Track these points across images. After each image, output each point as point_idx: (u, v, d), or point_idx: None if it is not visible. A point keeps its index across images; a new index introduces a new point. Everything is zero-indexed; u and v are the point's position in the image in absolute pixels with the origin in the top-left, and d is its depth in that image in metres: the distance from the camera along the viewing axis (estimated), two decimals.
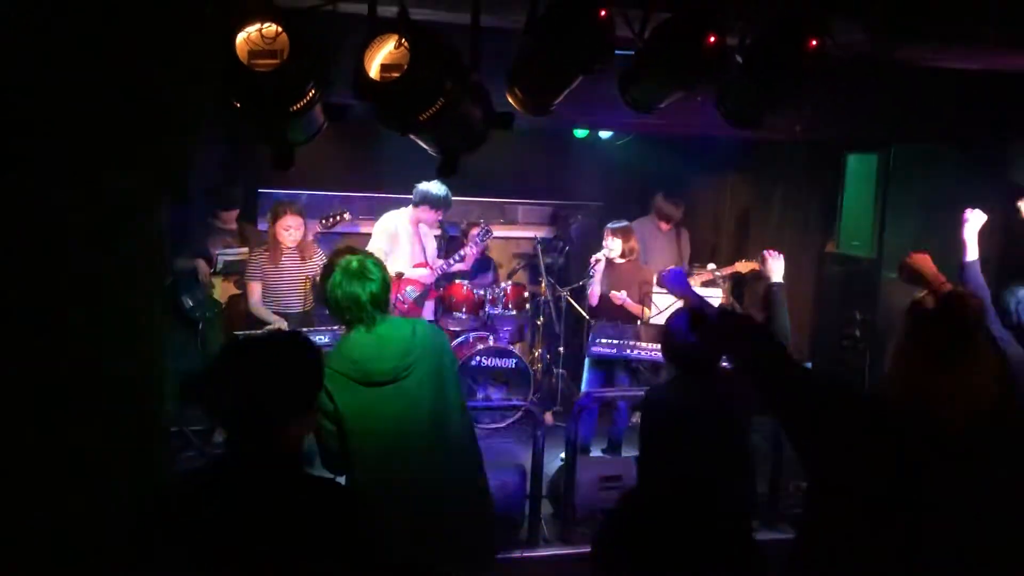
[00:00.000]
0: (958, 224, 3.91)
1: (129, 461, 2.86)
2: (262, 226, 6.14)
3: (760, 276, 4.52)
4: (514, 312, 6.53)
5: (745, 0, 3.42)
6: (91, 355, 2.77)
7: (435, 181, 5.89)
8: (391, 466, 2.82)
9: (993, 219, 4.12)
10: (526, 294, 6.68)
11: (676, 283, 3.23)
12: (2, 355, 2.65)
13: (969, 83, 4.78)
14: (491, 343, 6.33)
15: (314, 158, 5.41)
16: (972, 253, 3.83)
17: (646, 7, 3.30)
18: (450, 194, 5.99)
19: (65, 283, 2.72)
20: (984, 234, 3.91)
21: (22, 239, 2.65)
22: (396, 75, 2.78)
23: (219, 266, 5.59)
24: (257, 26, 2.70)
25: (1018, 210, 4.32)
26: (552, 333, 6.84)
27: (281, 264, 5.31)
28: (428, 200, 5.92)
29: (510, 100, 3.47)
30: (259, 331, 5.04)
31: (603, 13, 3.08)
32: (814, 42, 3.28)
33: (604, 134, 7.12)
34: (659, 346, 5.43)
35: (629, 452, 5.60)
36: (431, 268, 6.09)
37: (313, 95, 2.77)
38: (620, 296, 5.77)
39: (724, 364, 3.41)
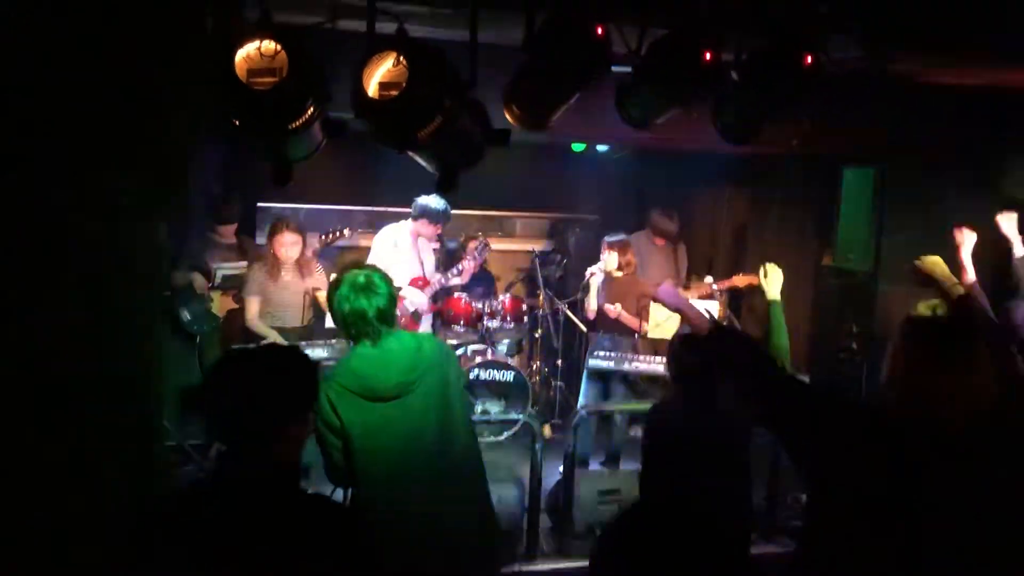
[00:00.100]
0: (953, 243, 3.92)
1: (127, 474, 2.86)
2: (261, 240, 6.15)
3: (758, 290, 4.53)
4: (512, 325, 6.54)
5: (740, 16, 3.44)
6: (90, 366, 2.77)
7: (434, 195, 5.91)
8: (395, 481, 2.82)
9: (988, 233, 4.15)
10: (524, 307, 6.69)
11: (668, 298, 3.23)
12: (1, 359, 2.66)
13: (964, 97, 4.81)
14: (489, 356, 6.34)
15: (313, 172, 5.43)
16: (970, 274, 3.84)
17: (642, 23, 3.33)
18: (449, 208, 6.01)
19: (64, 289, 2.72)
20: (978, 249, 3.93)
21: (22, 239, 2.66)
22: (395, 93, 2.80)
23: (217, 280, 5.60)
24: (256, 44, 2.72)
25: (997, 225, 4.33)
26: (550, 346, 6.85)
27: (280, 280, 5.32)
28: (427, 214, 5.94)
29: (507, 116, 3.49)
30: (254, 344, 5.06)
31: (599, 30, 3.10)
32: (809, 58, 3.32)
33: (601, 147, 7.15)
34: (656, 359, 5.50)
35: (627, 464, 5.60)
36: (429, 283, 6.10)
37: (312, 112, 2.78)
38: (614, 309, 5.78)
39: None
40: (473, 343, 6.51)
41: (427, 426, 2.86)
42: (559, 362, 6.76)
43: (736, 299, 6.65)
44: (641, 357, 5.59)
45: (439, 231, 6.18)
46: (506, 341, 6.61)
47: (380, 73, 2.89)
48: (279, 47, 2.72)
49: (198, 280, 5.59)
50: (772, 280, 3.53)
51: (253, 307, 5.28)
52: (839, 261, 5.93)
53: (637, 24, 3.33)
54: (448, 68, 2.92)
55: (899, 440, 2.03)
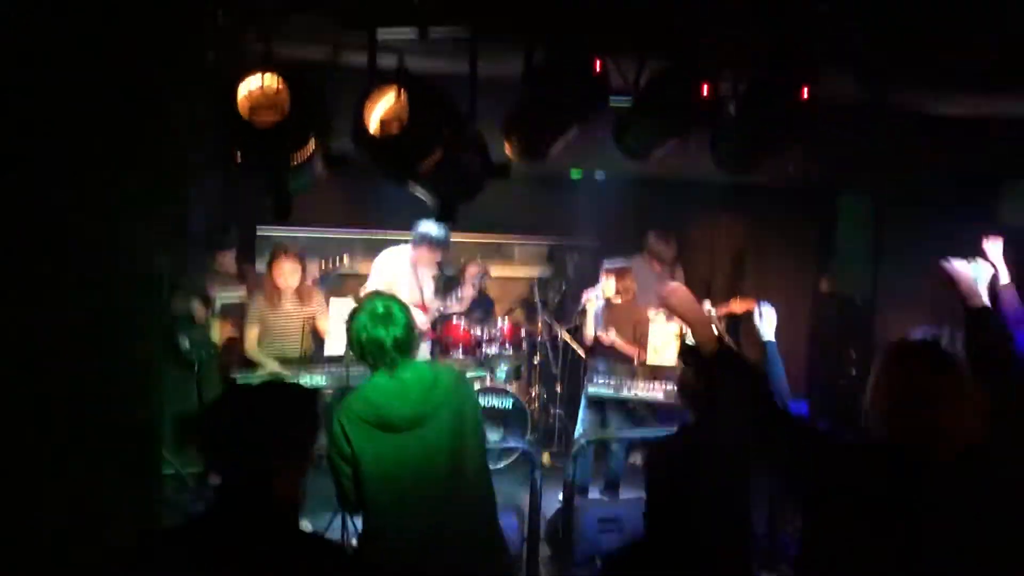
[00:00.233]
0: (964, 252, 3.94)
1: (124, 502, 2.85)
2: (261, 266, 6.16)
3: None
4: (511, 351, 6.53)
5: (737, 49, 3.48)
6: (89, 365, 2.76)
7: (434, 221, 5.92)
8: (405, 512, 2.81)
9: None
10: (523, 333, 6.68)
11: (676, 300, 3.15)
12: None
13: (961, 125, 4.84)
14: (488, 382, 6.33)
15: (313, 197, 5.44)
16: (1005, 276, 3.86)
17: (641, 57, 3.37)
18: (449, 234, 6.02)
19: (64, 289, 2.72)
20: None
21: (22, 239, 2.66)
22: (395, 127, 2.83)
23: (217, 307, 5.60)
24: (258, 79, 2.75)
25: (983, 252, 4.34)
26: (549, 372, 6.84)
27: (279, 307, 5.32)
28: (427, 240, 5.95)
29: (507, 148, 3.52)
30: (255, 376, 5.06)
31: (598, 64, 3.14)
32: (806, 91, 3.35)
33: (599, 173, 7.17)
34: (655, 385, 5.49)
35: (627, 492, 5.59)
36: (428, 309, 6.11)
37: (313, 148, 2.81)
38: (609, 336, 5.78)
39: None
40: (471, 369, 6.50)
41: (439, 458, 2.84)
42: (558, 388, 6.75)
43: (735, 324, 6.65)
44: (640, 384, 5.57)
45: (439, 257, 6.19)
46: (505, 367, 6.60)
47: (381, 108, 2.92)
48: (281, 83, 2.74)
49: (197, 308, 5.59)
50: (766, 320, 3.51)
51: (252, 335, 5.28)
52: (837, 287, 5.95)
53: (635, 58, 3.37)
54: (448, 102, 2.95)
55: (889, 476, 2.03)
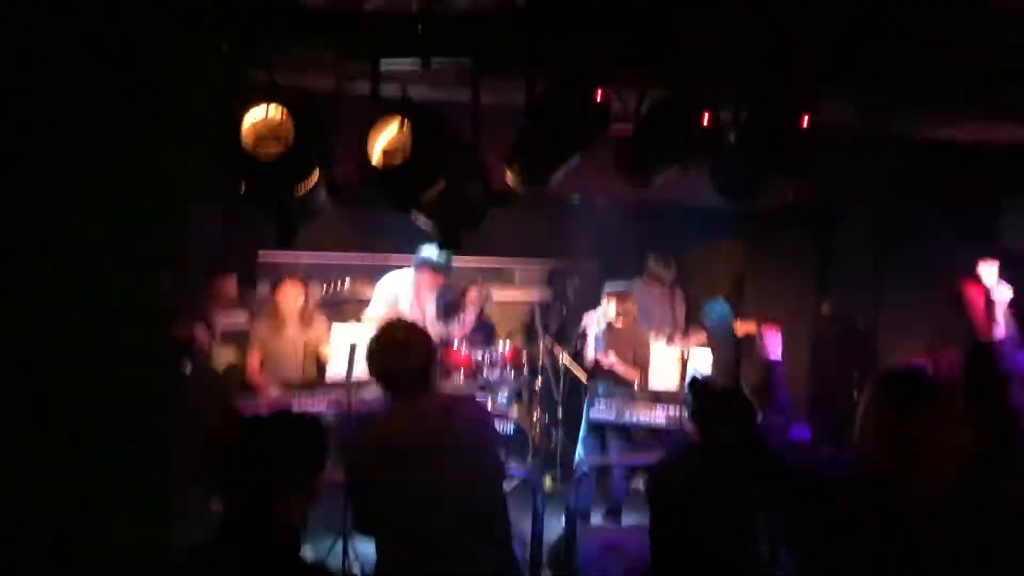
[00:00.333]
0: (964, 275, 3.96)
1: (129, 527, 2.84)
2: (261, 290, 6.17)
3: (757, 338, 4.54)
4: (512, 375, 6.52)
5: (737, 78, 3.51)
6: (90, 365, 2.75)
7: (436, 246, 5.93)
8: (418, 537, 2.80)
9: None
10: (524, 356, 6.67)
11: (719, 320, 3.19)
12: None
13: (961, 149, 4.87)
14: (489, 407, 6.31)
15: (315, 222, 5.44)
16: (1001, 329, 3.86)
17: (641, 86, 3.40)
18: (451, 259, 6.03)
19: (64, 289, 2.71)
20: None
21: (22, 239, 2.65)
22: (399, 157, 2.85)
23: (218, 332, 5.60)
24: (263, 111, 2.77)
25: (978, 275, 4.36)
26: (550, 396, 6.82)
27: (282, 332, 5.32)
28: (429, 265, 5.95)
29: (509, 176, 3.54)
30: (261, 404, 5.05)
31: (599, 94, 3.16)
32: (806, 120, 3.37)
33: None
34: (657, 410, 5.48)
35: (629, 518, 5.57)
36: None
37: (318, 178, 2.82)
38: (608, 360, 5.78)
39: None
40: (472, 394, 6.48)
41: (454, 488, 2.83)
42: (559, 412, 6.74)
43: (736, 347, 6.65)
44: (641, 408, 5.55)
45: (441, 281, 6.20)
46: (506, 391, 6.58)
47: (384, 138, 2.94)
48: (285, 115, 2.76)
49: (199, 333, 5.59)
50: (771, 341, 3.53)
51: (254, 360, 5.28)
52: (838, 310, 5.96)
53: (636, 87, 3.40)
54: (451, 132, 2.97)
55: (878, 510, 2.03)
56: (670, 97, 3.34)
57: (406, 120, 2.84)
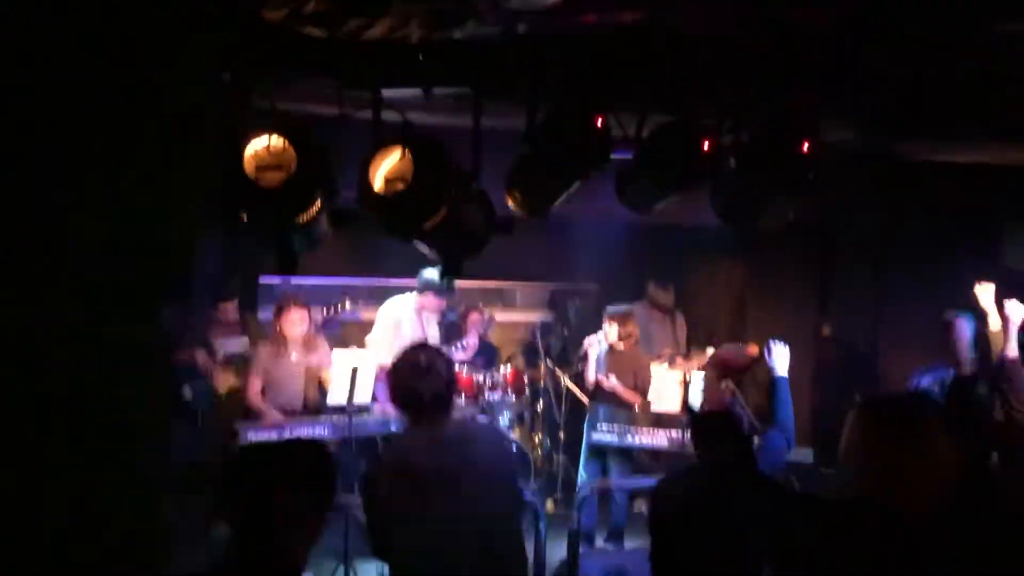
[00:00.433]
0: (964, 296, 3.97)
1: (126, 556, 2.83)
2: (263, 314, 6.16)
3: (760, 361, 4.53)
4: (513, 397, 6.51)
5: (738, 103, 3.52)
6: (90, 366, 2.74)
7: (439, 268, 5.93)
8: (430, 565, 2.79)
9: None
10: (525, 379, 6.66)
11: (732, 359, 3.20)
12: None
13: (963, 171, 4.88)
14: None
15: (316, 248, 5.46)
16: (996, 323, 3.87)
17: (642, 112, 3.41)
18: (455, 281, 6.03)
19: (64, 289, 2.71)
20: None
21: (22, 239, 2.64)
22: (400, 186, 2.85)
23: (219, 357, 5.59)
24: (265, 140, 2.78)
25: (974, 296, 4.37)
26: (552, 418, 6.80)
27: (285, 357, 5.31)
28: (432, 288, 5.96)
29: (510, 202, 3.55)
30: (262, 429, 5.03)
31: (599, 121, 3.18)
32: (807, 145, 3.38)
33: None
34: (659, 432, 5.46)
35: (632, 541, 5.54)
36: None
37: (319, 206, 2.83)
38: (609, 382, 5.77)
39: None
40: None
41: (468, 517, 2.80)
42: (561, 435, 6.72)
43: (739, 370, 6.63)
44: (643, 430, 5.53)
45: (444, 304, 6.20)
46: (507, 414, 6.56)
47: (386, 166, 2.95)
48: (287, 143, 2.77)
49: (200, 358, 5.59)
50: (779, 357, 3.52)
51: (255, 385, 5.27)
52: (839, 331, 5.96)
53: (636, 113, 3.41)
54: (452, 161, 2.98)
55: (859, 535, 2.03)
56: (670, 123, 3.36)
57: (407, 150, 2.84)
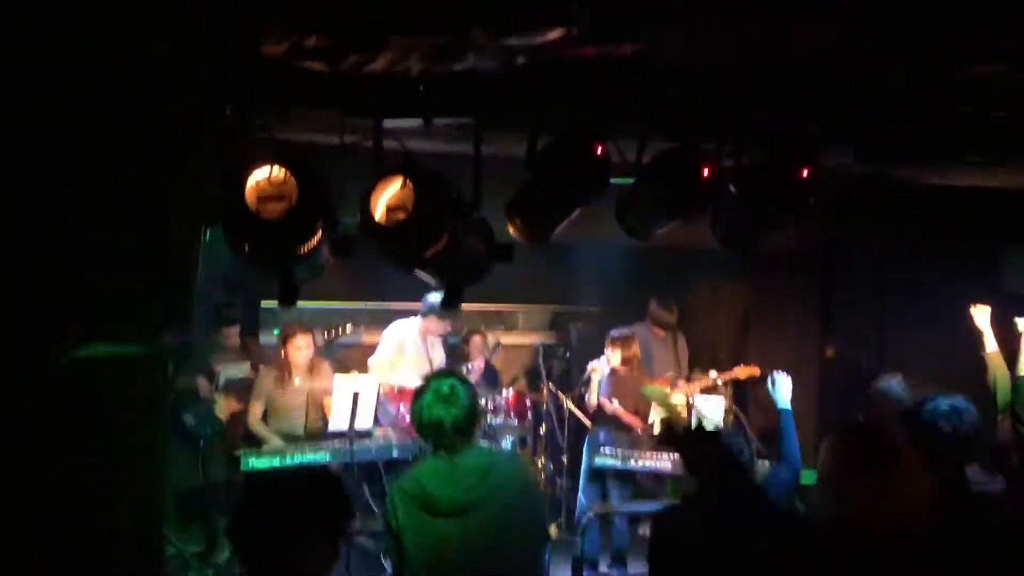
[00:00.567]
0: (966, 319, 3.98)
1: (129, 527, 2.82)
2: (265, 340, 6.16)
3: (762, 381, 4.52)
4: (516, 421, 6.48)
5: (737, 129, 3.53)
6: (89, 366, 2.74)
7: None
8: None
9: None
10: (527, 402, 6.64)
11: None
12: None
13: (962, 194, 4.89)
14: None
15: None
16: (992, 344, 3.88)
17: (642, 139, 3.42)
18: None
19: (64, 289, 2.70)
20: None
21: (22, 239, 2.64)
22: (402, 216, 2.86)
23: (221, 383, 5.59)
24: (266, 170, 2.78)
25: (970, 317, 4.38)
26: (555, 442, 6.77)
27: (289, 383, 5.32)
28: (436, 311, 5.97)
29: (510, 229, 3.55)
30: (259, 453, 5.02)
31: (600, 149, 3.19)
32: (806, 170, 3.39)
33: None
34: (661, 455, 5.42)
35: (637, 565, 5.51)
36: None
37: (320, 236, 2.83)
38: (611, 405, 5.75)
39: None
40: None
41: (483, 547, 2.78)
42: (564, 459, 6.68)
43: (741, 391, 6.62)
44: (646, 454, 5.51)
45: (448, 327, 6.21)
46: (509, 438, 6.54)
47: (387, 196, 2.96)
48: (288, 173, 2.78)
49: (202, 383, 5.59)
50: (781, 388, 3.51)
51: (256, 410, 5.27)
52: (842, 353, 5.94)
53: (636, 140, 3.42)
54: (453, 190, 2.99)
55: (828, 550, 2.10)
56: (670, 150, 3.37)
57: (408, 180, 2.86)
